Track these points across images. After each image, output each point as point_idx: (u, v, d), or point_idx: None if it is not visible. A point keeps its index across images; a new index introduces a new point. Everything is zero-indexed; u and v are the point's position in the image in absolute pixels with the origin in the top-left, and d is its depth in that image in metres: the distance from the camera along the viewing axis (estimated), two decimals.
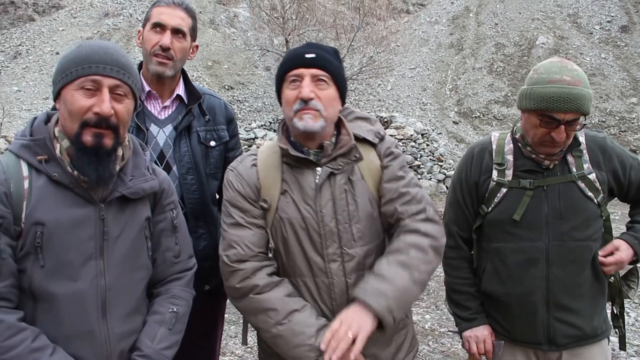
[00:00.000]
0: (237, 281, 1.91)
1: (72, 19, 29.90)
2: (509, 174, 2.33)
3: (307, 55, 1.94)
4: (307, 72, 1.93)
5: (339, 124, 2.06)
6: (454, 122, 24.35)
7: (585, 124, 2.23)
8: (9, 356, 1.53)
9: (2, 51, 27.58)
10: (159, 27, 2.39)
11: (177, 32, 2.41)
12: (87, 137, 1.65)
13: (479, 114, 24.34)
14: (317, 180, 1.97)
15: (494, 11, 30.27)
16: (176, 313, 1.90)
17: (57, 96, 1.72)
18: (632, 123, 22.65)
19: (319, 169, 1.98)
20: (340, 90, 2.01)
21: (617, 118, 22.93)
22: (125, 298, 1.78)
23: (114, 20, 29.11)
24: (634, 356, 5.01)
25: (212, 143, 2.55)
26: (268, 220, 1.99)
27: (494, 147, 2.40)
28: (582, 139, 2.32)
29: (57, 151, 1.69)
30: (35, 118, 1.78)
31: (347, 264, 1.96)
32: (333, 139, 2.03)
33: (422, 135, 17.71)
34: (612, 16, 28.52)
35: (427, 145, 17.57)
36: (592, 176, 2.28)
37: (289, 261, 1.99)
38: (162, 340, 1.82)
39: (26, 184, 1.64)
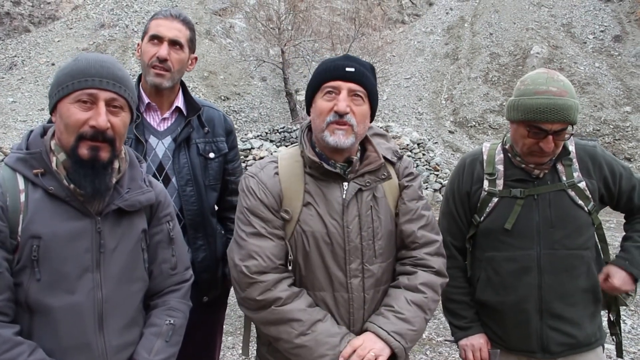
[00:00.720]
0: (257, 293, 1.89)
1: (68, 30, 29.96)
2: (500, 183, 2.35)
3: (348, 69, 1.92)
4: (344, 86, 1.92)
5: (364, 140, 2.06)
6: (449, 131, 24.44)
7: (573, 134, 2.25)
8: None
9: None
10: (157, 39, 2.41)
11: (174, 43, 2.43)
12: (84, 151, 1.65)
13: (474, 123, 24.45)
14: (344, 196, 1.96)
15: (488, 21, 30.48)
16: (173, 325, 1.89)
17: (53, 109, 1.73)
18: (626, 131, 22.77)
19: (345, 183, 1.98)
20: (372, 108, 2.01)
21: (612, 126, 23.06)
22: (122, 310, 1.77)
23: (109, 31, 29.19)
24: None
25: (211, 155, 2.55)
26: (288, 231, 1.97)
27: (484, 157, 2.43)
28: (571, 147, 2.35)
29: (54, 164, 1.69)
30: (31, 131, 1.78)
31: (367, 279, 1.97)
32: (358, 154, 2.03)
33: (418, 144, 17.74)
34: (605, 26, 28.77)
35: (423, 154, 17.60)
36: (582, 185, 2.30)
37: (309, 274, 1.97)
38: (159, 352, 1.82)
39: (22, 197, 1.64)
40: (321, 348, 1.85)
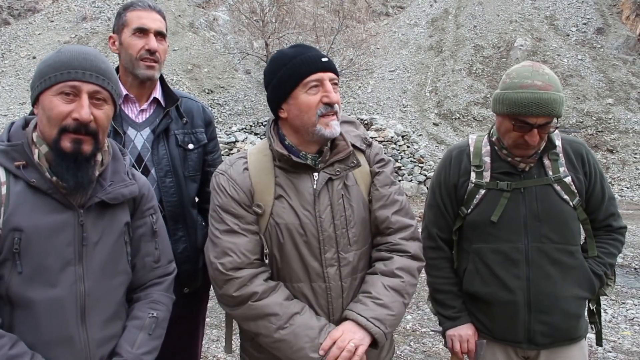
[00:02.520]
0: (233, 289, 1.89)
1: (49, 23, 29.59)
2: (487, 175, 2.36)
3: (324, 60, 1.94)
4: (326, 76, 1.93)
5: None
6: (434, 123, 24.54)
7: (558, 126, 2.27)
8: None
9: None
10: (142, 31, 2.38)
11: (159, 34, 2.42)
12: (66, 143, 1.64)
13: (458, 115, 24.57)
14: (315, 186, 1.97)
15: (472, 13, 30.60)
16: (156, 318, 1.89)
17: (35, 101, 1.71)
18: (609, 123, 23.02)
19: (316, 174, 1.98)
20: None
21: (594, 118, 23.29)
22: (105, 303, 1.76)
23: (91, 24, 28.88)
24: (610, 352, 5.08)
25: (191, 146, 2.54)
26: (261, 225, 1.97)
27: (471, 149, 2.44)
28: (558, 142, 2.36)
29: (36, 156, 1.67)
30: (12, 123, 1.76)
31: (343, 268, 1.98)
32: (328, 144, 2.03)
33: (402, 137, 17.81)
34: (588, 18, 29.01)
35: (408, 147, 17.68)
36: (568, 179, 2.31)
37: (285, 267, 1.97)
38: (141, 345, 1.81)
39: (4, 189, 1.63)
40: (300, 341, 1.86)
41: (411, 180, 16.72)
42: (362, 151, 2.11)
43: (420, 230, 2.18)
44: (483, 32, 29.11)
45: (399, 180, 16.68)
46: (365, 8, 30.42)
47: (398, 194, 2.11)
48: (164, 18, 2.49)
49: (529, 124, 2.17)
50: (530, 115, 2.15)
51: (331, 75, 1.94)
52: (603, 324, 5.84)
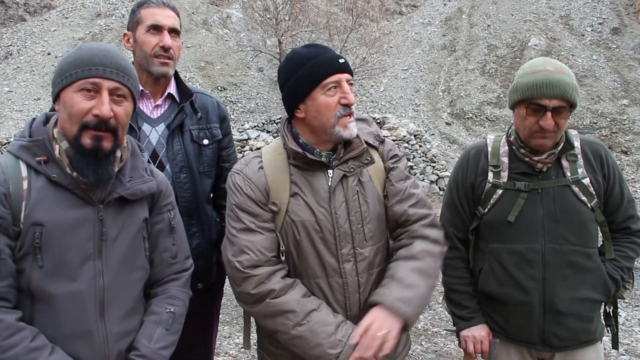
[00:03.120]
0: (251, 287, 1.92)
1: (64, 19, 29.78)
2: (505, 175, 2.35)
3: (341, 61, 1.96)
4: (343, 77, 1.95)
5: None
6: (446, 123, 24.43)
7: (580, 129, 2.26)
8: (8, 355, 1.54)
9: None
10: (156, 28, 2.40)
11: (173, 31, 2.44)
12: (86, 140, 1.66)
13: (471, 115, 24.44)
14: (330, 183, 1.99)
15: (486, 13, 30.41)
16: (173, 313, 1.91)
17: (56, 98, 1.73)
18: (623, 124, 22.79)
19: (330, 171, 2.01)
20: None
21: (609, 119, 23.07)
22: (123, 298, 1.79)
23: (106, 20, 29.02)
24: (624, 355, 5.05)
25: (205, 141, 2.56)
26: (277, 223, 2.00)
27: (489, 149, 2.43)
28: (577, 143, 2.35)
29: (56, 152, 1.70)
30: (34, 119, 1.79)
31: (359, 263, 2.00)
32: (342, 142, 2.05)
33: (414, 136, 17.75)
34: (604, 18, 28.72)
35: (420, 146, 17.62)
36: (586, 181, 2.30)
37: (302, 263, 2.00)
38: (159, 340, 1.84)
39: (25, 184, 1.65)
40: (317, 337, 1.88)
41: (423, 180, 16.67)
42: (376, 148, 2.14)
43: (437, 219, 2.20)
44: (497, 32, 28.93)
45: None
46: (378, 7, 30.33)
47: (413, 188, 2.14)
48: (177, 15, 2.52)
49: (543, 106, 2.17)
50: (543, 97, 2.15)
51: (347, 76, 1.96)
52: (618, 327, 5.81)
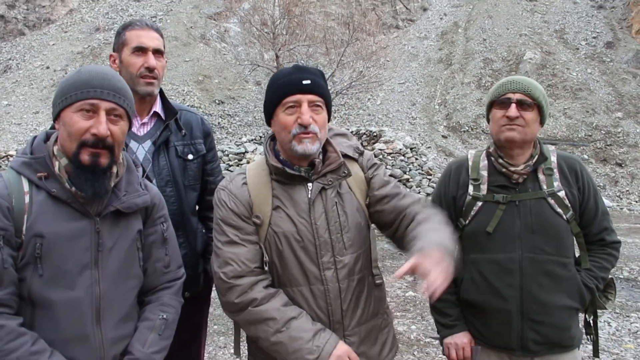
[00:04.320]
0: (235, 296, 2.01)
1: (63, 34, 29.99)
2: (484, 188, 2.47)
3: (304, 82, 2.04)
4: (304, 98, 2.03)
5: (325, 142, 2.18)
6: (442, 136, 24.60)
7: (556, 141, 2.40)
8: (10, 358, 1.64)
9: None
10: (140, 50, 2.52)
11: (157, 52, 2.56)
12: (85, 157, 1.77)
13: (467, 128, 24.63)
14: (309, 195, 2.09)
15: (482, 27, 30.71)
16: (166, 320, 2.01)
17: (56, 117, 1.84)
18: (618, 137, 22.98)
19: (310, 184, 2.11)
20: (328, 112, 2.15)
21: (603, 132, 23.27)
22: (118, 305, 1.89)
23: (104, 34, 29.23)
24: None
25: (190, 156, 2.67)
26: (261, 235, 2.09)
27: (470, 163, 2.55)
28: (553, 158, 2.47)
29: (56, 168, 1.80)
30: (35, 137, 1.90)
31: (339, 270, 2.09)
32: (320, 156, 2.15)
33: (411, 149, 17.86)
34: (598, 32, 29.04)
35: (416, 159, 17.72)
36: (562, 193, 2.41)
37: (285, 272, 2.09)
38: (152, 345, 1.94)
39: (27, 198, 1.76)
40: (295, 343, 1.97)
41: (419, 192, 16.75)
42: (355, 160, 2.24)
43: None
44: (492, 46, 29.20)
45: None
46: (375, 21, 30.56)
47: (396, 187, 2.26)
48: (161, 36, 2.63)
49: (508, 99, 2.38)
50: (508, 92, 2.40)
51: (311, 97, 2.04)
52: (607, 336, 5.88)
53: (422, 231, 1.99)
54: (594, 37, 28.77)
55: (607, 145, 22.64)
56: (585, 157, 21.99)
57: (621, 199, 19.65)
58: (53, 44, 29.12)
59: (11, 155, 18.50)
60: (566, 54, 28.06)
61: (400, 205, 2.19)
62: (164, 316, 2.01)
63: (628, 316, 6.68)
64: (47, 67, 27.29)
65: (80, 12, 31.28)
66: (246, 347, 2.32)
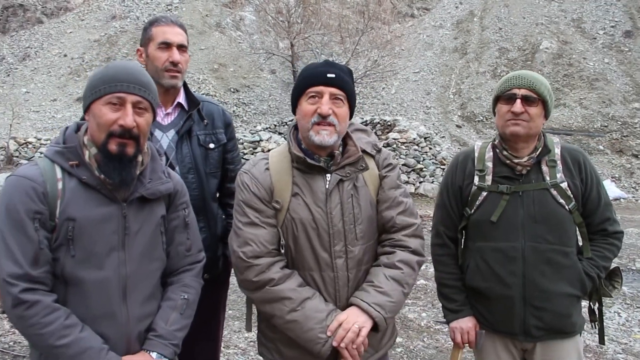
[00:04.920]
0: (253, 275, 2.14)
1: (80, 22, 30.21)
2: (489, 179, 2.56)
3: (329, 75, 2.16)
4: (326, 90, 2.16)
5: (345, 136, 2.30)
6: (457, 125, 24.52)
7: (566, 133, 2.49)
8: (46, 331, 1.79)
9: (12, 53, 27.91)
10: (166, 45, 2.67)
11: (181, 47, 2.71)
12: (113, 146, 1.91)
13: (482, 117, 24.51)
14: (327, 186, 2.21)
15: (498, 15, 30.41)
16: (187, 300, 2.16)
17: (86, 109, 1.98)
18: (635, 128, 22.74)
19: (328, 175, 2.22)
20: (351, 107, 2.26)
21: (620, 123, 23.03)
22: (143, 285, 2.03)
23: (120, 22, 29.41)
24: (620, 353, 5.20)
25: (211, 145, 2.82)
26: (279, 219, 2.21)
27: (476, 154, 2.65)
28: (557, 150, 2.56)
29: (86, 157, 1.95)
30: (67, 128, 2.04)
31: (350, 260, 2.22)
32: (340, 149, 2.27)
33: (424, 138, 17.86)
34: (616, 21, 28.60)
35: (430, 148, 17.72)
36: (564, 185, 2.49)
37: (299, 256, 2.21)
38: (174, 323, 2.09)
39: (60, 185, 1.90)
40: (309, 322, 2.11)
41: (433, 182, 16.78)
42: (372, 156, 2.34)
43: (422, 228, 2.39)
44: (508, 35, 28.93)
45: (420, 182, 16.78)
46: (390, 9, 30.38)
47: (403, 196, 2.34)
48: (185, 31, 2.78)
49: (514, 94, 2.45)
50: (513, 87, 2.46)
51: (333, 90, 2.16)
52: (616, 326, 5.95)
53: (373, 281, 2.20)
54: (612, 26, 28.36)
55: (624, 136, 22.42)
56: (601, 148, 21.83)
57: (637, 190, 19.48)
58: (70, 32, 29.36)
59: (30, 142, 18.78)
60: (583, 43, 27.73)
61: (393, 220, 2.28)
62: (185, 296, 2.15)
63: (639, 307, 6.74)
64: (65, 55, 27.55)
65: (97, 0, 31.48)
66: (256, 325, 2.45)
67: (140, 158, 2.01)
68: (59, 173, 1.92)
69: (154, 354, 2.01)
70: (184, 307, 2.14)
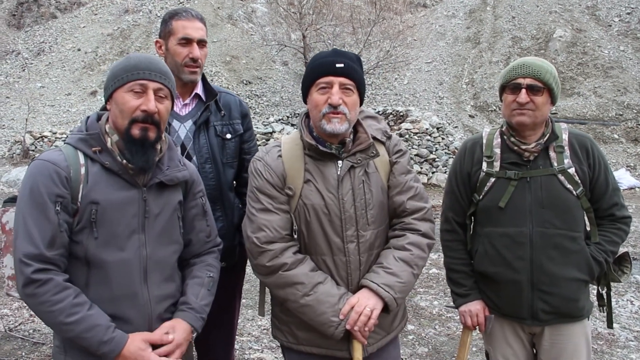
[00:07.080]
0: (266, 260, 2.21)
1: (93, 16, 30.44)
2: (497, 165, 2.60)
3: (338, 65, 2.21)
4: (336, 80, 2.20)
5: (356, 123, 2.35)
6: (470, 115, 24.42)
7: (573, 121, 2.51)
8: (56, 308, 1.87)
9: (27, 48, 28.19)
10: (186, 40, 2.71)
11: (200, 42, 2.76)
12: (135, 131, 1.99)
13: (495, 107, 24.38)
14: (339, 172, 2.27)
15: (511, 4, 30.15)
16: (212, 278, 2.29)
17: (108, 98, 2.07)
18: None
19: (340, 162, 2.28)
20: (361, 95, 2.31)
21: (635, 111, 22.80)
22: (162, 267, 2.12)
23: (133, 16, 29.60)
24: (632, 340, 5.21)
25: (228, 136, 2.87)
26: (292, 205, 2.27)
27: (484, 141, 2.69)
28: (565, 136, 2.58)
29: (108, 144, 2.04)
30: (88, 117, 2.13)
31: (361, 244, 2.27)
32: (351, 136, 2.32)
33: (437, 128, 17.83)
34: (632, 8, 28.22)
35: (443, 139, 17.69)
36: (572, 170, 2.52)
37: (311, 242, 2.27)
38: (203, 298, 2.21)
39: (83, 170, 1.99)
40: (322, 306, 2.17)
41: (445, 172, 16.75)
42: (383, 143, 2.40)
43: (432, 212, 2.44)
44: (521, 24, 28.69)
45: (433, 172, 16.77)
46: None
47: (414, 181, 2.39)
48: (205, 25, 2.82)
49: (519, 84, 2.47)
50: (518, 76, 2.48)
51: (342, 80, 2.20)
52: (629, 314, 5.95)
53: (382, 263, 2.25)
54: (628, 13, 28.01)
55: (639, 124, 22.22)
56: (616, 136, 21.63)
57: None
58: (84, 27, 29.60)
59: (45, 136, 19.03)
60: (598, 31, 27.42)
61: (404, 205, 2.33)
62: (211, 274, 2.28)
63: None
64: (79, 50, 27.80)
65: None
66: (269, 309, 2.52)
67: (159, 145, 2.10)
68: (82, 159, 2.00)
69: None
70: (211, 284, 2.26)
